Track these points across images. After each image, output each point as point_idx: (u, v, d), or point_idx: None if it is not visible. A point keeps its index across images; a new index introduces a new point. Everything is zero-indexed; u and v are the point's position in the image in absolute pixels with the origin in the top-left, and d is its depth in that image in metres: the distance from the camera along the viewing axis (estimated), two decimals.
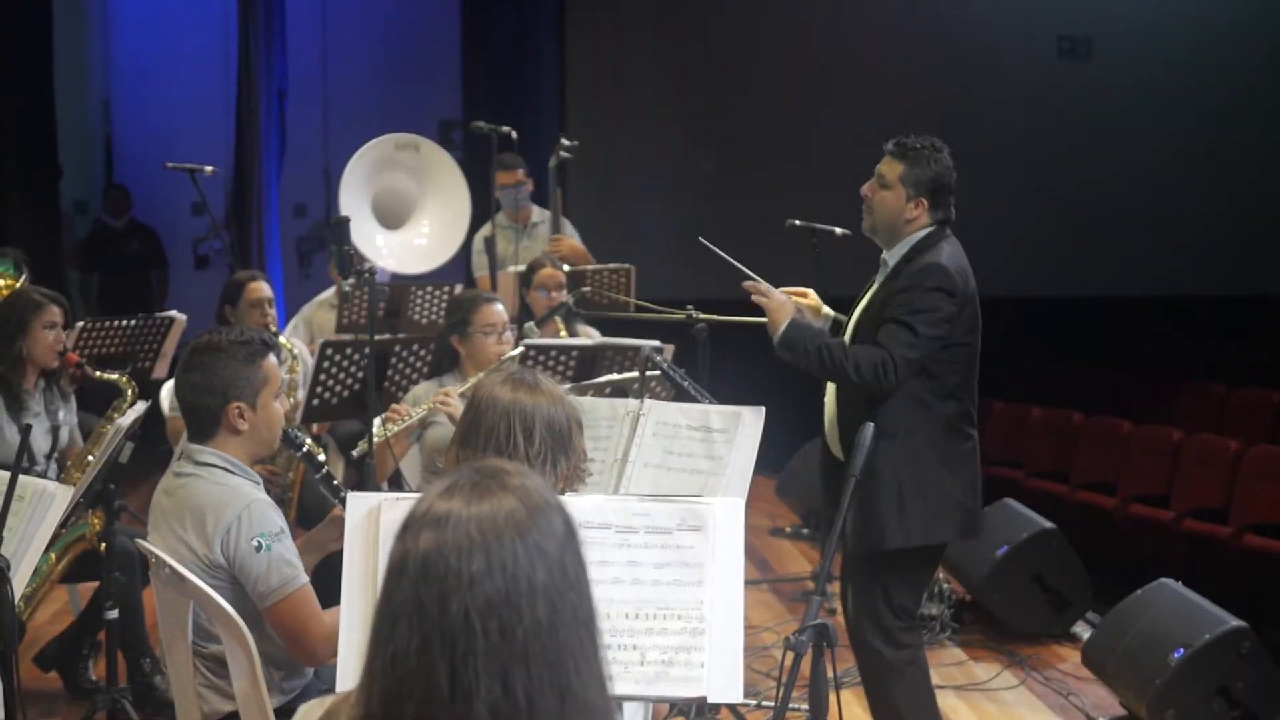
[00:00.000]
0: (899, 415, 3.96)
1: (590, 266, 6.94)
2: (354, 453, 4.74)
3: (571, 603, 1.53)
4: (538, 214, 7.56)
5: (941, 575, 5.98)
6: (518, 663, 1.48)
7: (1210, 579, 6.16)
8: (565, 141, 7.23)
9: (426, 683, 1.47)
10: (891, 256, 4.11)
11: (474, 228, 7.52)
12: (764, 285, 4.14)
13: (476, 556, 1.50)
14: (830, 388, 4.18)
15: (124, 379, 5.25)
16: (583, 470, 2.97)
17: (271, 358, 3.33)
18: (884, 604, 4.05)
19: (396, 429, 4.55)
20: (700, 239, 4.52)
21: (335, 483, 3.57)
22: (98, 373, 5.28)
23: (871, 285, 4.17)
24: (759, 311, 4.20)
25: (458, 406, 4.33)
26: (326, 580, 4.60)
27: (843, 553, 4.26)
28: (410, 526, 1.55)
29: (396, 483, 4.76)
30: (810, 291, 4.33)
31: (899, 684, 4.09)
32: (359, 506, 2.78)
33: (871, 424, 3.13)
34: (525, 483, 1.58)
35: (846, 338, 4.14)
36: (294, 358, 5.62)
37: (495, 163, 7.47)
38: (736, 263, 4.30)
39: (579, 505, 2.72)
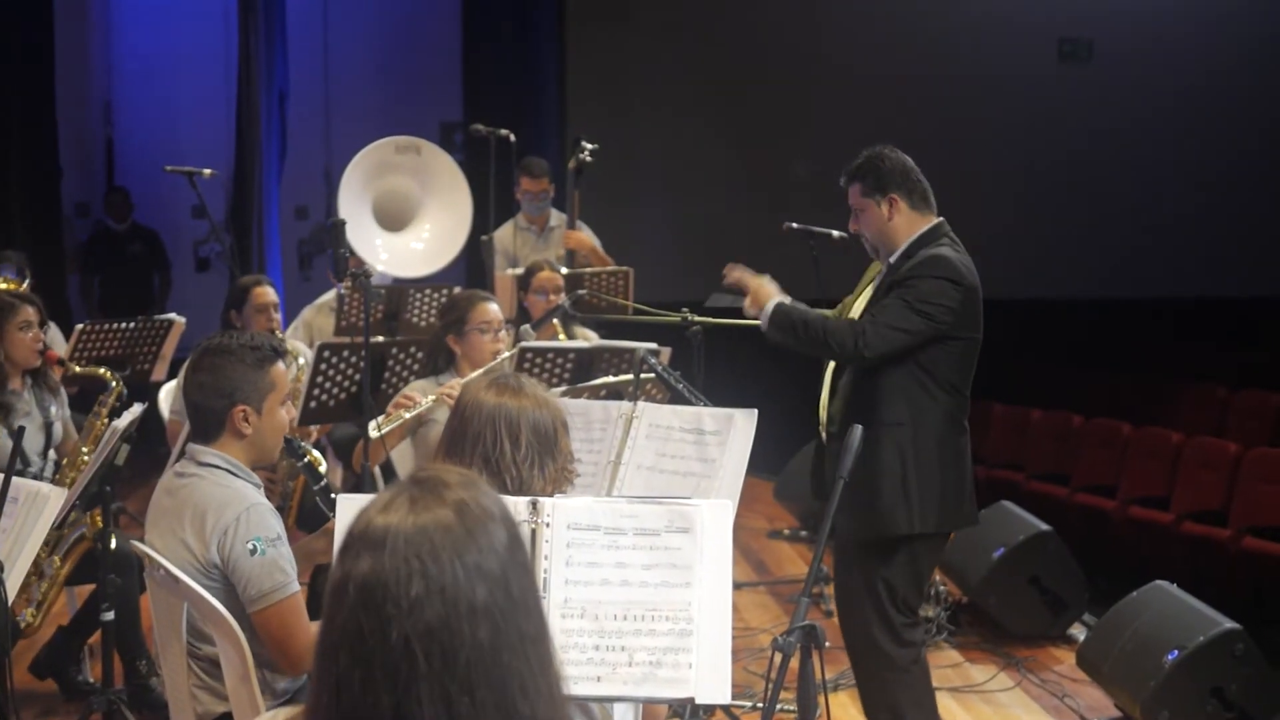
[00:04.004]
0: (899, 404, 3.99)
1: (589, 269, 6.95)
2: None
3: (515, 622, 1.50)
4: (555, 218, 7.58)
5: (938, 577, 5.98)
6: (462, 689, 1.46)
7: (1210, 581, 6.17)
8: (586, 144, 7.21)
9: (371, 714, 1.46)
10: (892, 257, 4.14)
11: (474, 230, 7.52)
12: (739, 270, 4.20)
13: (415, 582, 1.47)
14: (827, 378, 4.20)
15: (108, 372, 5.25)
16: (570, 471, 2.98)
17: (281, 365, 3.35)
18: (888, 599, 4.06)
19: (407, 415, 4.56)
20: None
21: (333, 496, 3.57)
22: (78, 368, 5.29)
23: (871, 282, 4.20)
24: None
25: None
26: (319, 593, 4.64)
27: (838, 552, 4.26)
28: (349, 547, 1.52)
29: (388, 472, 4.78)
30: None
31: (903, 683, 4.08)
32: (350, 508, 2.77)
33: (860, 427, 3.13)
34: (464, 495, 1.55)
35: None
36: (300, 366, 5.60)
37: (520, 167, 7.49)
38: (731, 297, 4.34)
39: (568, 507, 2.72)
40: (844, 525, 4.00)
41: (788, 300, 4.17)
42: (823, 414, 4.22)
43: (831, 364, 4.20)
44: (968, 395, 4.10)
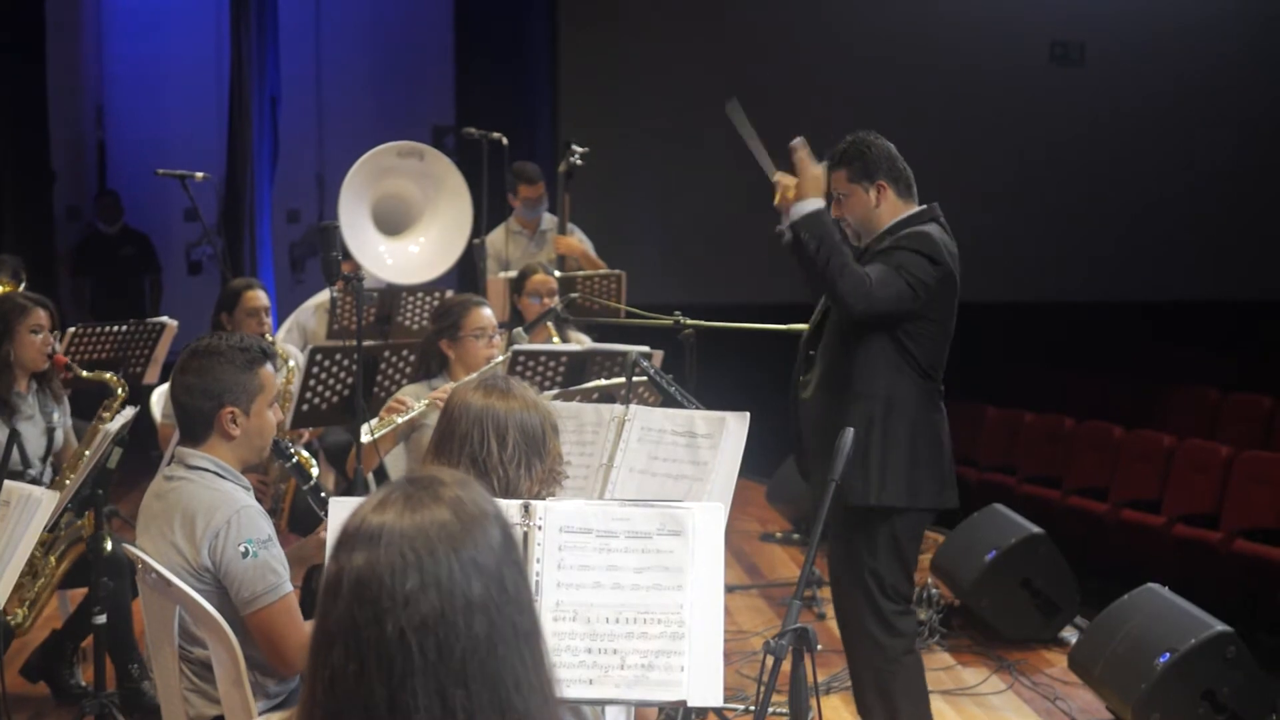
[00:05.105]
0: (875, 378, 3.99)
1: (581, 273, 6.95)
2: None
3: (510, 617, 1.50)
4: (547, 221, 7.59)
5: (930, 580, 5.99)
6: (456, 682, 1.46)
7: (1201, 584, 6.18)
8: (576, 148, 7.21)
9: (365, 705, 1.45)
10: (875, 242, 4.11)
11: (470, 235, 7.51)
12: (804, 150, 4.01)
13: (410, 575, 1.47)
14: (815, 383, 4.19)
15: (114, 378, 5.25)
16: (559, 473, 2.98)
17: (269, 366, 3.34)
18: (877, 589, 4.06)
19: (400, 420, 4.57)
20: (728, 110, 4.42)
21: (323, 495, 3.57)
22: (85, 372, 5.29)
23: None
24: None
25: None
26: (313, 593, 4.63)
27: (831, 544, 4.25)
28: (343, 544, 1.52)
29: (380, 478, 4.78)
30: None
31: (896, 675, 4.08)
32: (343, 510, 2.78)
33: (851, 430, 3.14)
34: (460, 493, 1.55)
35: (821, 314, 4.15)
36: (290, 369, 5.58)
37: (516, 174, 7.50)
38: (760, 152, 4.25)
39: (560, 510, 2.72)
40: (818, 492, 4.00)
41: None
42: (800, 380, 4.20)
43: (809, 332, 4.19)
44: (940, 381, 4.10)
